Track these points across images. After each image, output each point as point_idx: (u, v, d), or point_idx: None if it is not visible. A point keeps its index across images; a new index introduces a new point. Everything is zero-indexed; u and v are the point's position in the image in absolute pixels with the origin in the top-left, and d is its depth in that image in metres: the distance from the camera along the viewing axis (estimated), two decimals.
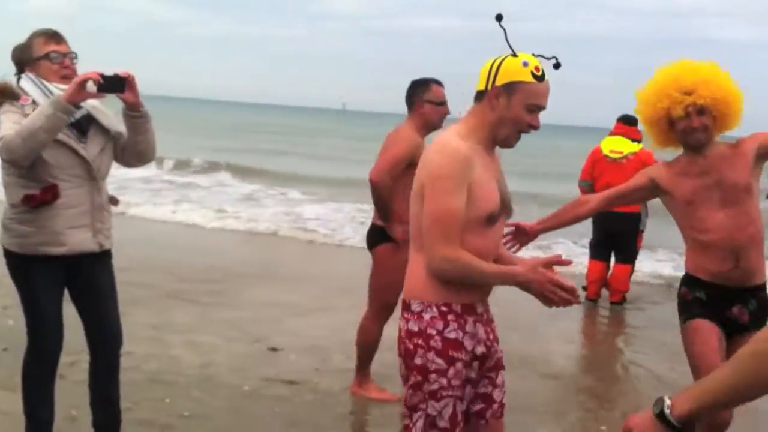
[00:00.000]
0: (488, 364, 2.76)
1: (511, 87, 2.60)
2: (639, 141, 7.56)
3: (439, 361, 2.62)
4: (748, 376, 1.55)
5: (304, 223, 12.79)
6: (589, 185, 7.67)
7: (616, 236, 7.74)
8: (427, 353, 2.62)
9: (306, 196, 16.74)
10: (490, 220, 2.66)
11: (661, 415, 1.61)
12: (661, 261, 10.30)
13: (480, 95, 2.66)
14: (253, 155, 25.74)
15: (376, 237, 4.76)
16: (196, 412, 4.44)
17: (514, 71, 2.60)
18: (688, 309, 3.50)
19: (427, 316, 2.64)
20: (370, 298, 4.81)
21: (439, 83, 4.73)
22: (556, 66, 2.67)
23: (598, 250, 7.96)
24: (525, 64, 2.60)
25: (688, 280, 3.57)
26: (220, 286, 7.68)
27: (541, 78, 2.61)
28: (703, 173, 3.43)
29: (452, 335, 2.64)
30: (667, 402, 1.61)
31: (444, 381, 2.61)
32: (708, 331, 3.42)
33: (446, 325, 2.65)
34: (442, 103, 4.67)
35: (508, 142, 2.70)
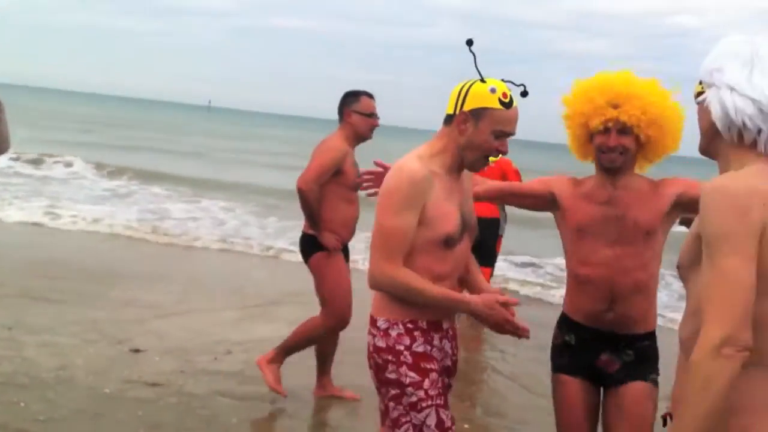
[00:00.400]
0: (451, 379, 2.87)
1: (478, 113, 2.61)
2: None
3: (412, 374, 2.65)
4: (699, 399, 1.73)
5: (163, 221, 12.50)
6: None
7: (478, 241, 8.06)
8: (399, 368, 2.65)
9: (168, 193, 16.38)
10: (448, 243, 2.66)
11: None
12: (519, 266, 10.86)
13: (448, 119, 2.68)
14: (111, 150, 24.78)
15: (308, 246, 4.80)
16: (53, 415, 4.29)
17: (481, 97, 2.61)
18: (556, 356, 3.17)
19: (393, 333, 2.68)
20: (321, 306, 4.82)
21: (369, 95, 4.86)
22: (524, 94, 2.70)
23: None
24: (492, 91, 2.60)
25: (561, 321, 3.21)
26: (77, 286, 7.41)
27: (508, 105, 2.62)
28: (608, 203, 3.02)
29: (420, 349, 2.68)
30: None
31: (421, 393, 2.63)
32: (573, 395, 3.07)
33: (413, 340, 2.68)
34: (371, 115, 4.82)
35: (475, 166, 2.73)
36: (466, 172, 2.80)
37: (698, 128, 2.00)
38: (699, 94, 1.99)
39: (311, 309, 4.97)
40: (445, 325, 2.78)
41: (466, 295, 2.74)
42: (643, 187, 3.01)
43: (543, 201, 3.18)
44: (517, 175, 7.61)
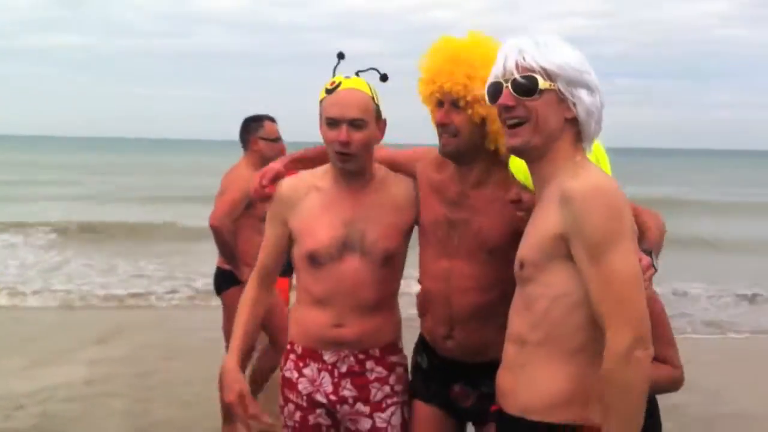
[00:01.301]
0: (346, 424, 2.58)
1: (319, 113, 2.51)
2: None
3: (280, 396, 2.65)
4: (619, 404, 1.75)
5: None
6: None
7: None
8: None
9: None
10: (312, 261, 2.51)
11: None
12: None
13: None
14: None
15: (222, 281, 4.64)
16: None
17: (320, 97, 2.51)
18: (412, 378, 2.68)
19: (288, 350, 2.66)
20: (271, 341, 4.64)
21: (272, 120, 4.70)
22: (383, 78, 2.54)
23: None
24: (326, 85, 2.50)
25: (419, 338, 2.70)
26: None
27: (332, 90, 2.47)
28: (456, 204, 2.49)
29: (287, 374, 2.62)
30: None
31: (283, 417, 2.62)
32: (422, 423, 2.60)
33: (286, 362, 2.64)
34: (277, 139, 4.66)
35: (341, 167, 2.50)
36: (397, 184, 2.59)
37: (535, 124, 1.91)
38: (541, 90, 1.90)
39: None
40: (330, 358, 2.56)
41: (232, 355, 2.54)
42: (503, 191, 2.40)
43: (403, 171, 2.65)
44: None
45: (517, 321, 1.99)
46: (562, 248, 1.84)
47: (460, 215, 2.46)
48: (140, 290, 9.75)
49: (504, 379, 2.02)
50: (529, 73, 1.90)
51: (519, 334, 1.96)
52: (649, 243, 2.21)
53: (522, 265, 1.95)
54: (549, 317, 1.89)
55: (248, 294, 2.66)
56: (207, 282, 9.92)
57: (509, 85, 1.92)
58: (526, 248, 1.95)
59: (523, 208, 2.27)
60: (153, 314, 8.59)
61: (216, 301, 8.97)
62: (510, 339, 2.01)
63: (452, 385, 2.56)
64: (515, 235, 2.20)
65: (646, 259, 2.07)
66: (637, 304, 1.77)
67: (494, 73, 1.98)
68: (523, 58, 1.91)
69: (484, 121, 2.34)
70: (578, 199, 1.80)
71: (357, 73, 2.53)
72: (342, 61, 2.55)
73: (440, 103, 2.40)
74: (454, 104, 2.36)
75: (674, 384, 2.37)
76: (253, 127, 4.69)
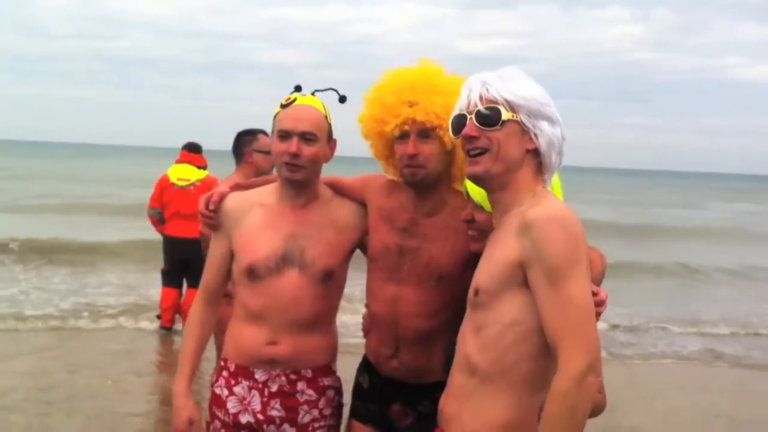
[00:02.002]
0: None
1: (272, 127, 2.55)
2: (204, 168, 7.75)
3: (207, 412, 2.64)
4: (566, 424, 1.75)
5: None
6: (158, 213, 7.71)
7: (186, 262, 7.70)
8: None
9: None
10: (251, 274, 2.50)
11: None
12: None
13: None
14: None
15: None
16: None
17: (275, 112, 2.55)
18: (352, 399, 2.73)
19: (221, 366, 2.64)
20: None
21: (265, 133, 4.71)
22: (341, 99, 2.60)
23: (170, 277, 7.91)
24: (281, 101, 2.54)
25: (362, 358, 2.74)
26: None
27: (286, 105, 2.51)
28: (406, 231, 2.52)
29: (218, 391, 2.60)
30: None
31: None
32: None
33: (217, 379, 2.62)
34: (269, 152, 4.52)
35: (287, 177, 2.51)
36: (340, 205, 2.63)
37: (496, 153, 1.94)
38: (504, 120, 1.94)
39: None
40: (261, 377, 2.54)
41: (182, 379, 2.57)
42: (455, 219, 2.37)
43: (353, 196, 2.67)
44: None
45: (466, 346, 1.98)
46: (519, 276, 1.87)
47: (411, 243, 2.47)
48: (44, 305, 9.33)
49: (449, 406, 2.03)
50: (493, 105, 1.94)
51: (467, 358, 1.96)
52: (594, 277, 2.19)
53: (477, 292, 1.95)
54: (499, 344, 1.90)
55: (195, 315, 2.65)
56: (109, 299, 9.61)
57: (473, 116, 1.96)
58: (483, 275, 1.95)
59: (475, 227, 2.27)
60: (55, 331, 8.26)
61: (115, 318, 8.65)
62: (458, 365, 2.02)
63: (391, 404, 2.58)
64: (465, 263, 2.36)
65: (604, 293, 2.10)
66: (591, 331, 1.79)
67: (458, 107, 2.02)
68: (487, 90, 1.95)
69: (454, 147, 2.37)
70: (538, 226, 1.82)
71: (314, 93, 2.57)
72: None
73: (403, 135, 2.40)
74: (421, 134, 2.37)
75: (601, 409, 2.33)
76: (247, 139, 4.80)
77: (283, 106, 2.52)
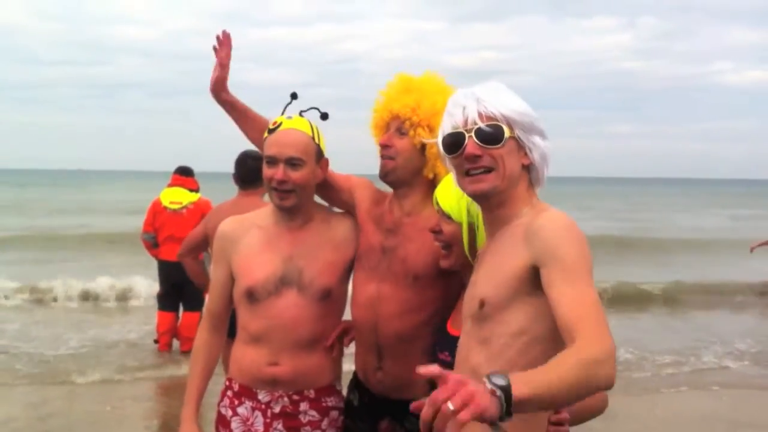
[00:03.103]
0: None
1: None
2: (197, 191, 7.75)
3: (215, 431, 2.63)
4: (579, 381, 1.54)
5: None
6: (152, 237, 7.69)
7: (182, 285, 7.69)
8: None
9: None
10: (250, 297, 2.52)
11: (505, 389, 1.41)
12: None
13: None
14: None
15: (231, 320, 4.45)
16: None
17: (263, 136, 2.55)
18: (344, 417, 2.67)
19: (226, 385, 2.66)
20: None
21: None
22: (323, 116, 2.61)
23: (166, 301, 7.90)
24: (269, 125, 2.54)
25: (353, 376, 2.70)
26: None
27: (272, 130, 2.52)
28: (391, 232, 2.55)
29: (223, 411, 2.62)
30: (507, 379, 1.43)
31: None
32: None
33: (222, 399, 2.63)
34: None
35: (278, 204, 2.54)
36: (339, 223, 2.64)
37: (503, 171, 1.91)
38: (506, 138, 1.91)
39: None
40: (264, 398, 2.55)
41: (190, 406, 2.58)
42: (434, 220, 2.33)
43: (340, 197, 2.69)
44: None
45: (473, 358, 1.94)
46: (528, 284, 1.83)
47: (392, 242, 2.50)
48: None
49: None
50: (494, 122, 1.90)
51: (475, 371, 1.87)
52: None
53: (482, 304, 1.91)
54: (506, 354, 1.87)
55: (200, 342, 2.67)
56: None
57: (473, 134, 1.90)
58: (489, 287, 1.91)
59: (442, 239, 2.26)
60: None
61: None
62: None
63: (380, 421, 2.56)
64: (439, 265, 2.34)
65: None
66: (608, 328, 1.69)
67: (451, 124, 1.94)
68: (485, 107, 1.90)
69: (423, 147, 2.41)
70: (549, 230, 1.81)
71: (301, 113, 2.57)
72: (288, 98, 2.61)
73: (386, 128, 2.49)
74: (399, 130, 2.45)
75: (604, 405, 2.29)
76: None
77: (270, 131, 2.52)
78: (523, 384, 1.45)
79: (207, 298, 2.76)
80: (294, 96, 2.60)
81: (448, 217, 2.23)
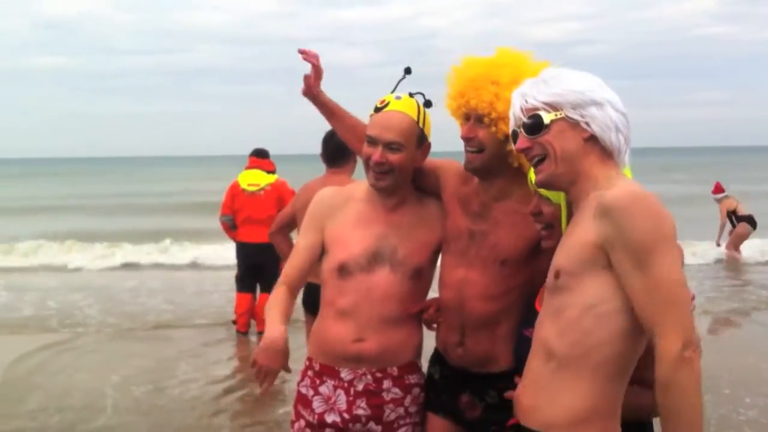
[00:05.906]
0: None
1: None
2: (273, 172, 7.85)
3: (293, 411, 2.66)
4: (679, 409, 1.76)
5: None
6: (230, 219, 7.83)
7: (259, 267, 7.77)
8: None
9: None
10: (342, 271, 2.52)
11: None
12: None
13: None
14: None
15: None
16: None
17: (370, 113, 2.57)
18: (426, 391, 2.71)
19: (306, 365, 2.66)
20: None
21: None
22: (427, 104, 2.59)
23: (244, 282, 8.03)
24: (377, 102, 2.54)
25: (434, 351, 2.74)
26: None
27: (378, 109, 2.52)
28: (479, 215, 2.54)
29: (303, 390, 2.62)
30: None
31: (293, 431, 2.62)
32: None
33: (303, 378, 2.64)
34: None
35: (373, 184, 2.57)
36: (428, 205, 2.64)
37: (554, 155, 1.97)
38: (547, 123, 1.96)
39: None
40: (347, 376, 2.55)
41: (281, 324, 2.42)
42: (524, 205, 2.39)
43: (428, 181, 2.68)
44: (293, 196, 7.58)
45: (544, 331, 1.97)
46: (601, 259, 1.85)
47: (481, 227, 2.51)
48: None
49: (525, 395, 2.01)
50: (533, 112, 1.98)
51: (545, 343, 1.95)
52: None
53: (557, 275, 1.94)
54: (579, 326, 1.88)
55: (275, 294, 2.56)
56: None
57: (521, 130, 2.01)
58: (563, 257, 1.94)
59: (542, 220, 2.28)
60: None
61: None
62: (534, 352, 2.00)
63: (460, 395, 2.58)
64: (531, 249, 2.44)
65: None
66: (683, 307, 1.78)
67: (510, 124, 2.08)
68: (526, 101, 2.00)
69: (507, 138, 2.33)
70: (618, 207, 1.81)
71: (411, 95, 2.55)
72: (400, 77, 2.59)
73: (467, 118, 2.46)
74: (479, 120, 2.41)
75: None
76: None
77: (376, 109, 2.54)
78: None
79: (285, 265, 2.71)
80: (408, 71, 2.58)
81: (547, 199, 2.26)
